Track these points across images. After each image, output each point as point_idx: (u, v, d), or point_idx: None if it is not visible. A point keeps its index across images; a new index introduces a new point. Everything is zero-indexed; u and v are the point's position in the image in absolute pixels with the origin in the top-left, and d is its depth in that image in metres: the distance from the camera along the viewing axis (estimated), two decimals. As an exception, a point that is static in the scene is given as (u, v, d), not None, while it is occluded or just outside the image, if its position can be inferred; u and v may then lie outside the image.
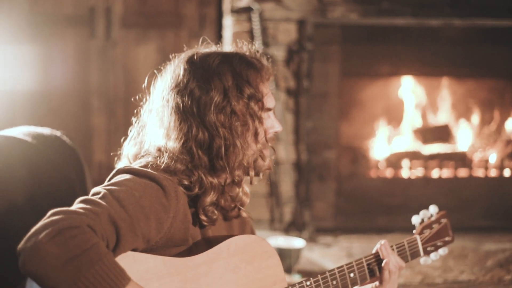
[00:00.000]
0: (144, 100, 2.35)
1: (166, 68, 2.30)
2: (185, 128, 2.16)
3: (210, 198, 2.18)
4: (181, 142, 2.15)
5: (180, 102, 2.17)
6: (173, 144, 2.16)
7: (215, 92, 2.16)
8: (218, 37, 5.46)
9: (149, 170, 2.07)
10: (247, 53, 2.31)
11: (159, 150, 2.19)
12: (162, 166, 2.12)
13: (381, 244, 2.48)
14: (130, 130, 2.37)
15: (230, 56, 2.26)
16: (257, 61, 2.29)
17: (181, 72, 2.22)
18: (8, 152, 2.72)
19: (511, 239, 5.34)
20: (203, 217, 2.19)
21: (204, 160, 2.16)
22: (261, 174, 2.35)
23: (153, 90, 2.30)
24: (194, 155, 2.15)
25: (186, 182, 2.14)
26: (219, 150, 2.16)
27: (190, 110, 2.16)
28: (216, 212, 2.23)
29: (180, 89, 2.19)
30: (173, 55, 2.33)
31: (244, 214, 2.46)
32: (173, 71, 2.25)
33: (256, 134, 2.24)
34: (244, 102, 2.20)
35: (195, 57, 2.25)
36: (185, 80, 2.20)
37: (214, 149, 2.16)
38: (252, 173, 2.27)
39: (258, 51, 2.35)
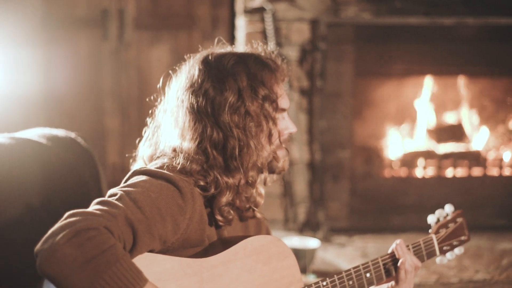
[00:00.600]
0: (158, 100, 2.36)
1: (181, 68, 2.31)
2: (200, 128, 2.16)
3: (225, 198, 2.19)
4: (196, 142, 2.16)
5: (194, 102, 2.18)
6: (188, 144, 2.16)
7: (229, 93, 2.17)
8: (231, 38, 5.46)
9: (165, 172, 2.08)
10: (262, 54, 2.31)
11: (174, 150, 2.19)
12: (178, 167, 2.12)
13: (396, 244, 2.48)
14: (145, 131, 2.37)
15: (245, 57, 2.26)
16: (272, 61, 2.29)
17: (196, 72, 2.23)
18: (24, 154, 2.73)
19: (526, 238, 5.33)
20: (219, 217, 2.20)
21: (219, 160, 2.17)
22: (275, 175, 2.36)
23: (168, 91, 2.31)
24: (209, 155, 2.16)
25: (202, 183, 2.15)
26: (233, 151, 2.16)
27: (204, 111, 2.17)
28: (232, 212, 2.23)
29: (195, 89, 2.20)
30: (188, 55, 2.33)
31: (258, 215, 2.47)
32: (188, 71, 2.26)
33: (270, 135, 2.24)
34: (259, 103, 2.20)
35: (210, 58, 2.26)
36: (200, 80, 2.21)
37: (228, 150, 2.17)
38: (266, 174, 2.26)
39: (273, 52, 2.35)
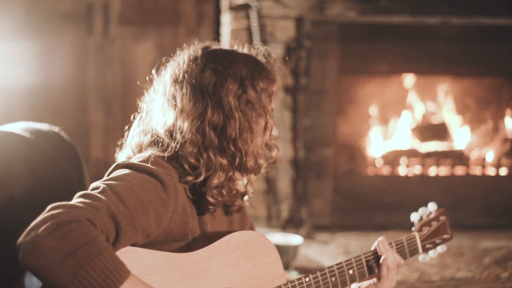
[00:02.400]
0: (154, 83, 2.36)
1: (179, 54, 2.34)
2: (200, 108, 2.19)
3: (218, 179, 2.20)
4: (194, 122, 2.18)
5: (198, 82, 2.21)
6: (186, 124, 2.18)
7: (232, 79, 2.21)
8: (216, 35, 5.45)
9: (148, 165, 2.08)
10: (261, 58, 2.37)
11: (168, 131, 2.20)
12: (168, 154, 2.15)
13: (379, 241, 2.49)
14: (133, 117, 2.38)
15: (246, 54, 2.33)
16: (269, 64, 2.36)
17: (200, 56, 2.26)
18: (7, 147, 2.72)
19: (508, 236, 5.34)
20: (210, 199, 2.21)
21: (215, 142, 2.19)
22: (264, 166, 2.36)
23: (164, 74, 2.32)
24: (206, 135, 2.17)
25: (194, 166, 2.16)
26: (232, 134, 2.19)
27: (206, 91, 2.20)
28: (223, 192, 2.24)
29: (198, 70, 2.23)
30: (174, 48, 2.36)
31: (247, 203, 2.49)
32: (189, 55, 2.29)
33: (265, 128, 2.28)
34: (257, 93, 2.25)
35: (213, 46, 2.32)
36: (204, 62, 2.24)
37: (227, 132, 2.19)
38: (260, 161, 2.28)
39: (272, 57, 2.40)
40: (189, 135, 2.16)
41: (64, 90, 5.55)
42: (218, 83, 2.19)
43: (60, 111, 5.55)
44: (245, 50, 2.37)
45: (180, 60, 2.29)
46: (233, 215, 2.49)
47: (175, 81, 2.25)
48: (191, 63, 2.25)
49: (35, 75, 5.48)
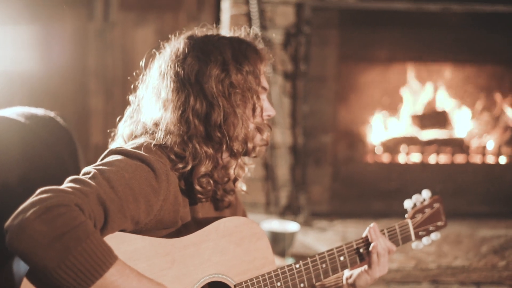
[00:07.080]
0: (141, 77, 2.37)
1: (165, 46, 2.34)
2: (183, 97, 2.19)
3: (205, 167, 2.20)
4: (179, 112, 2.18)
5: (179, 71, 2.21)
6: (170, 114, 2.19)
7: (214, 64, 2.21)
8: (216, 20, 5.43)
9: (141, 152, 2.08)
10: (247, 37, 2.36)
11: (155, 124, 2.21)
12: (158, 144, 2.14)
13: (370, 228, 2.49)
14: (127, 110, 2.38)
15: (230, 36, 2.33)
16: (256, 43, 2.35)
17: (182, 46, 2.27)
18: (1, 132, 2.72)
19: (506, 225, 5.34)
20: (198, 188, 2.20)
21: (200, 130, 2.19)
22: (257, 149, 2.35)
23: (152, 66, 2.33)
24: (191, 124, 2.18)
25: (180, 156, 2.16)
26: (217, 120, 2.18)
27: (188, 79, 2.20)
28: (211, 182, 2.24)
29: (180, 60, 2.24)
30: (173, 33, 2.36)
31: (239, 189, 2.49)
32: (173, 46, 2.30)
33: (254, 109, 2.27)
34: (243, 75, 2.24)
35: (196, 33, 2.32)
36: (186, 51, 2.24)
37: (212, 119, 2.19)
38: (250, 145, 2.27)
39: (257, 35, 2.40)
40: (174, 126, 2.16)
41: (65, 75, 5.55)
42: (200, 70, 2.19)
43: (61, 96, 5.56)
44: (231, 33, 2.37)
45: (165, 52, 2.30)
46: (224, 211, 2.50)
47: (160, 73, 2.26)
48: (174, 54, 2.25)
49: (35, 60, 5.48)
